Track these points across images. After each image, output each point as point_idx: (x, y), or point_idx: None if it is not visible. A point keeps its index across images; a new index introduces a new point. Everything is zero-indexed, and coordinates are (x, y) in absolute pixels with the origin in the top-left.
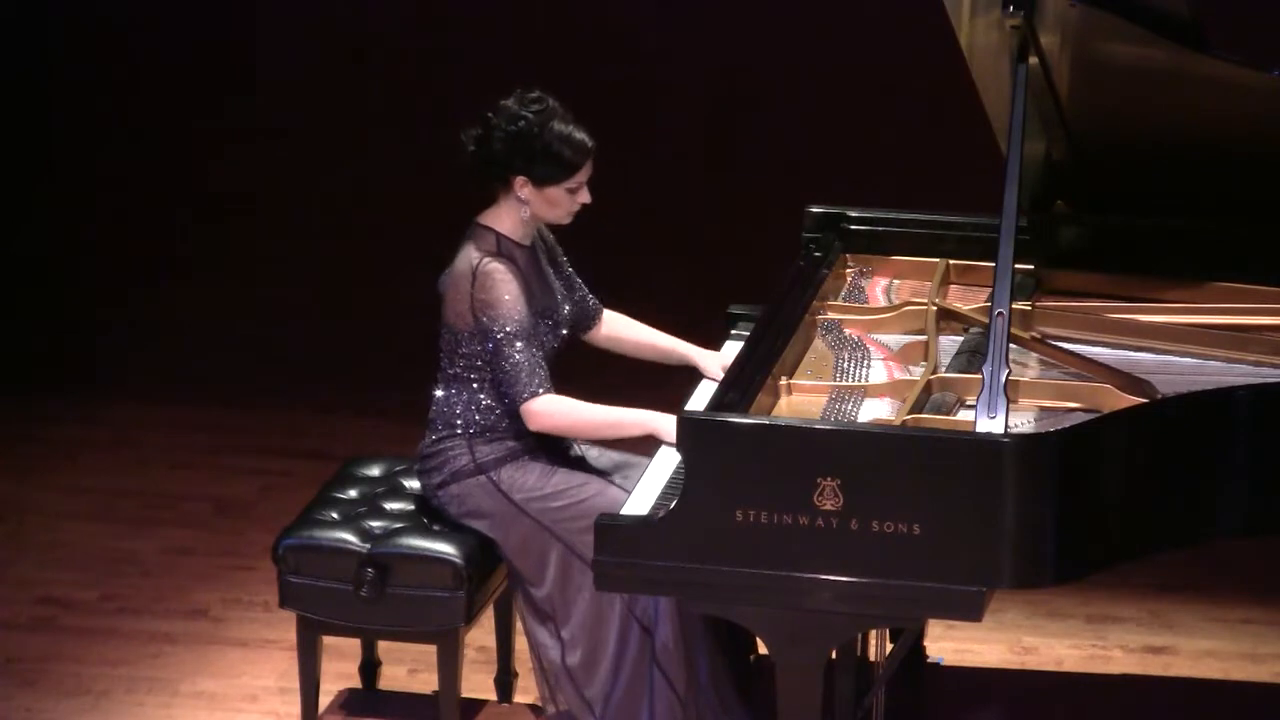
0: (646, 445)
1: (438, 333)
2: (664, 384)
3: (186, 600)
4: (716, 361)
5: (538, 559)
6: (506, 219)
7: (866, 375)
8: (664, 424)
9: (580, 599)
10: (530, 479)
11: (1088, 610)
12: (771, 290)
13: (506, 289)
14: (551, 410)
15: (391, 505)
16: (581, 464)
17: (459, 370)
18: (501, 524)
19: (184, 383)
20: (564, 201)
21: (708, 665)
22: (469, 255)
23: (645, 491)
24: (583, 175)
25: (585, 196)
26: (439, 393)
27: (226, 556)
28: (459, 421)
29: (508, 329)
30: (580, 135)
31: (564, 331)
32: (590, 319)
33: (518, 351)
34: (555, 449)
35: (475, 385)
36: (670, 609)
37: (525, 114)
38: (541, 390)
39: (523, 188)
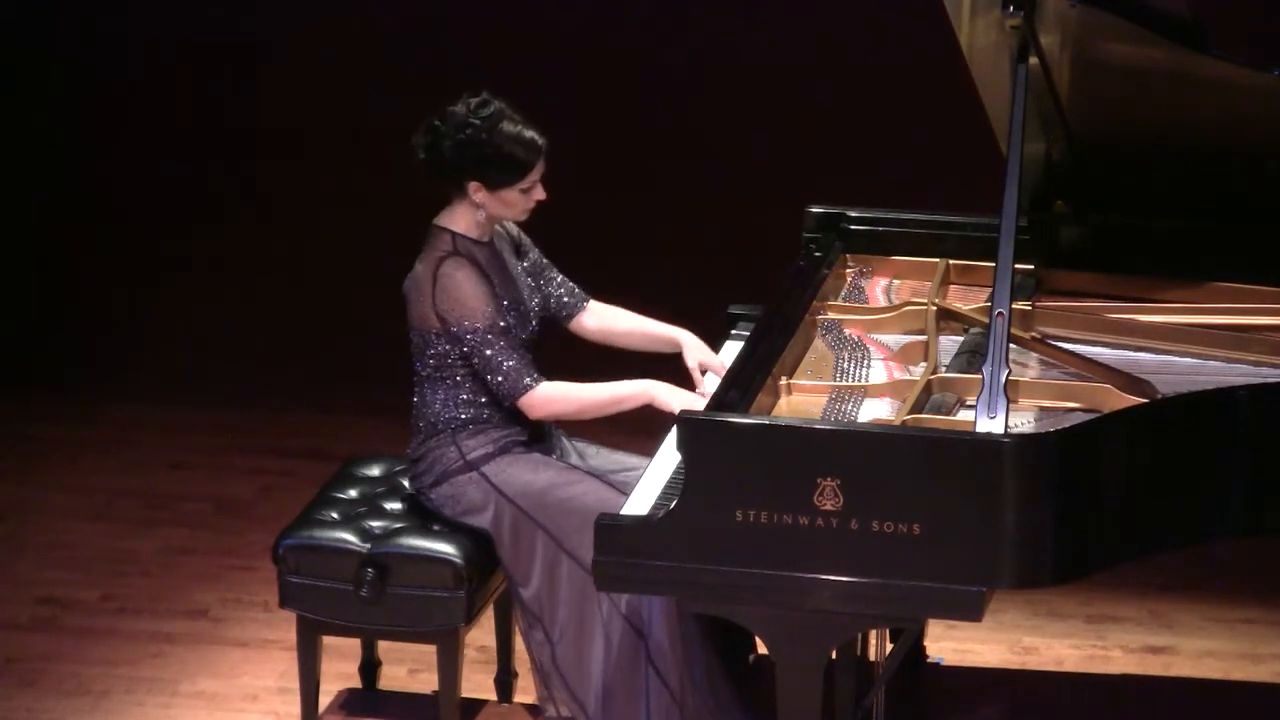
0: (647, 445)
1: (406, 338)
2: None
3: (186, 600)
4: (697, 354)
5: (526, 556)
6: (462, 219)
7: (866, 375)
8: (660, 391)
9: (564, 597)
10: (522, 474)
11: (1088, 610)
12: (771, 290)
13: (467, 289)
14: (550, 398)
15: (391, 505)
16: (575, 461)
17: (431, 370)
18: (495, 517)
19: (184, 383)
20: (519, 201)
21: (703, 665)
22: (426, 260)
23: (645, 491)
24: (535, 174)
25: (540, 194)
26: (416, 396)
27: (226, 556)
28: (441, 420)
29: (479, 329)
30: (530, 134)
31: (534, 323)
32: (572, 308)
33: (499, 351)
34: (547, 444)
35: (450, 382)
36: (664, 609)
37: (473, 120)
38: (534, 382)
39: (477, 192)
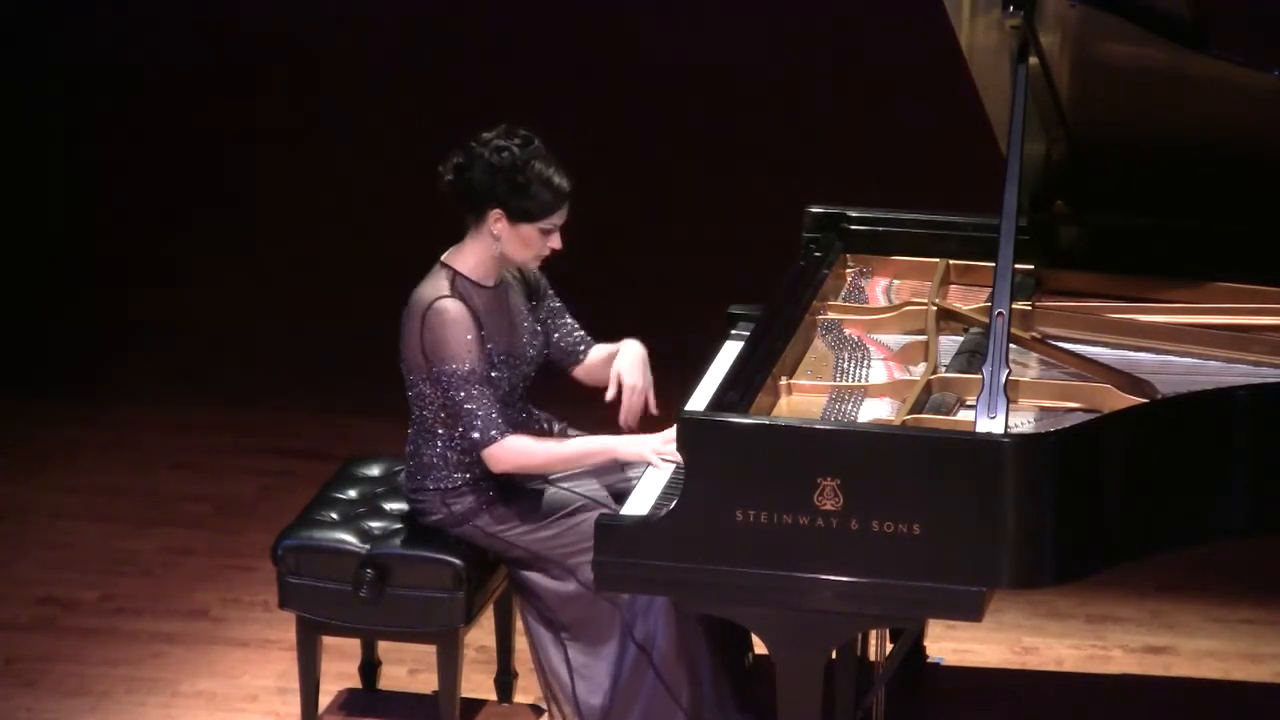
0: None
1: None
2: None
3: (186, 600)
4: (623, 363)
5: (535, 575)
6: (471, 257)
7: (866, 375)
8: (622, 445)
9: (575, 610)
10: (515, 514)
11: (1088, 610)
12: (771, 290)
13: (454, 333)
14: (515, 450)
15: (391, 505)
16: (564, 484)
17: (418, 412)
18: (495, 554)
19: (184, 383)
20: (535, 242)
21: (710, 671)
22: (422, 295)
23: (645, 491)
24: (558, 218)
25: (557, 242)
26: (410, 436)
27: (226, 556)
28: (430, 478)
29: (459, 373)
30: (560, 180)
31: (530, 370)
32: (578, 355)
33: (472, 399)
34: (534, 478)
35: (442, 434)
36: (668, 617)
37: (510, 146)
38: (499, 435)
39: (497, 222)
